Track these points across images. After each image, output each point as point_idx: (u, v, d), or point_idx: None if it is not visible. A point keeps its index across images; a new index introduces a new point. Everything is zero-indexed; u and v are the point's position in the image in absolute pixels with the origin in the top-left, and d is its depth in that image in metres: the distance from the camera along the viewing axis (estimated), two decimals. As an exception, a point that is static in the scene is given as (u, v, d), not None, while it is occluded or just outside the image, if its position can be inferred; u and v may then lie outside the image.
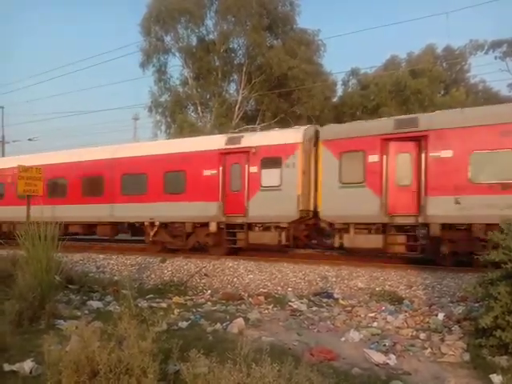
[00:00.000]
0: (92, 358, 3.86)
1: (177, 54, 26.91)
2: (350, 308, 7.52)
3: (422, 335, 5.85)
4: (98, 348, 3.84)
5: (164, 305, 7.84)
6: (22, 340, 5.42)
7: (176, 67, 27.80)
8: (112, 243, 15.06)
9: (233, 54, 26.68)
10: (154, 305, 7.76)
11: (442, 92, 30.90)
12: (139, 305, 7.20)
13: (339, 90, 30.86)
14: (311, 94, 24.25)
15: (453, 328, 5.90)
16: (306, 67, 24.39)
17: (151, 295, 8.64)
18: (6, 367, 4.54)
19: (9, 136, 32.77)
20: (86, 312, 7.46)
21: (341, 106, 29.76)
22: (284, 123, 24.08)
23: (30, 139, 30.94)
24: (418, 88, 26.30)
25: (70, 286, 8.60)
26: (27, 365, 4.58)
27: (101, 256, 12.08)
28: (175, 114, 26.00)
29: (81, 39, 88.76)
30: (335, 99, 29.95)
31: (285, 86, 24.48)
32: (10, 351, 4.93)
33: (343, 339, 5.85)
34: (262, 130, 25.04)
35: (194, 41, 26.75)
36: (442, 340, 5.52)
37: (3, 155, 29.09)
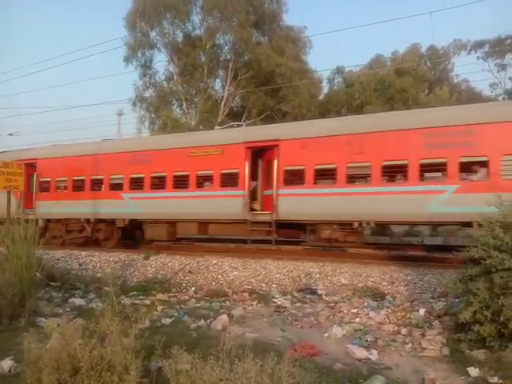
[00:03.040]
0: (73, 355, 3.82)
1: (162, 50, 26.69)
2: (333, 304, 7.59)
3: (404, 330, 5.95)
4: (79, 345, 3.80)
5: (147, 302, 7.80)
6: (1, 338, 5.34)
7: (161, 62, 27.58)
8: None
9: (219, 51, 26.55)
10: (137, 302, 7.71)
11: (426, 91, 31.34)
12: (122, 302, 7.14)
13: (325, 88, 31.05)
14: (297, 92, 24.31)
15: (433, 323, 6.01)
16: (292, 65, 24.43)
17: (134, 292, 8.57)
18: (-16, 366, 4.46)
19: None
20: (68, 309, 7.38)
21: (326, 104, 29.95)
22: (270, 120, 24.10)
23: (10, 134, 30.28)
24: (403, 87, 26.63)
25: (51, 284, 8.47)
26: (6, 363, 4.51)
27: (83, 253, 11.91)
28: (159, 110, 25.77)
29: (66, 32, 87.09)
30: (321, 97, 30.10)
31: (271, 83, 24.50)
32: (-12, 349, 4.83)
33: (326, 335, 5.91)
34: (248, 126, 25.15)
35: (179, 36, 26.56)
36: (423, 335, 5.62)
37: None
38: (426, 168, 9.72)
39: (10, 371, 4.41)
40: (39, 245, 7.11)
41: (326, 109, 30.00)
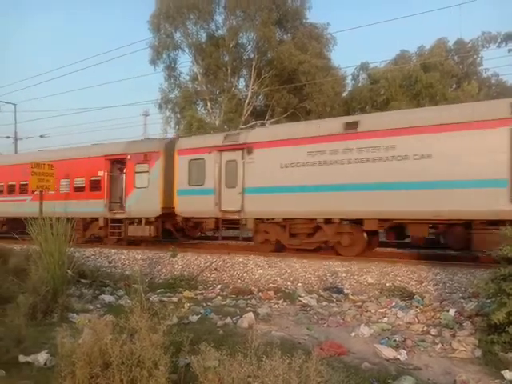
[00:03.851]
0: (104, 350, 3.91)
1: (186, 50, 26.97)
2: (360, 303, 7.51)
3: (433, 331, 5.82)
4: (110, 341, 3.89)
5: (175, 299, 7.91)
6: (36, 332, 5.52)
7: (186, 63, 27.89)
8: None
9: (242, 50, 26.63)
10: (165, 299, 7.83)
11: (454, 86, 30.49)
12: (150, 299, 7.28)
13: (349, 85, 30.65)
14: (321, 90, 24.10)
15: (464, 324, 5.86)
16: (316, 62, 24.24)
17: (162, 290, 8.72)
18: (22, 358, 4.63)
19: (21, 133, 33.21)
20: (98, 306, 7.57)
21: (350, 101, 29.56)
22: (294, 118, 23.99)
23: (41, 136, 31.30)
24: (430, 82, 25.98)
25: (82, 281, 8.70)
26: (41, 356, 4.66)
27: (112, 251, 12.19)
28: (185, 110, 26.06)
29: (93, 36, 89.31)
30: (345, 94, 29.74)
31: (295, 81, 24.38)
32: (24, 343, 5.00)
33: (353, 334, 5.85)
34: (271, 124, 25.12)
35: (203, 37, 26.77)
36: (453, 336, 5.49)
37: (16, 152, 29.45)
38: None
39: (45, 364, 4.56)
40: (70, 243, 7.31)
41: (351, 106, 29.64)
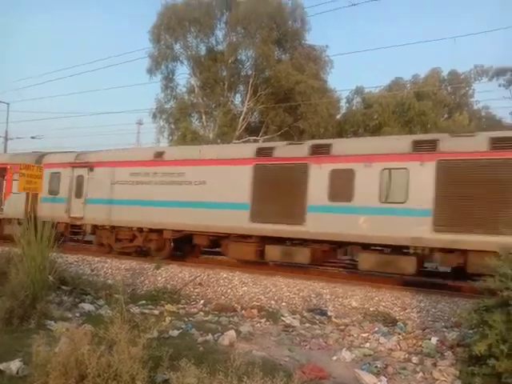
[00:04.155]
0: (81, 361, 3.81)
1: (185, 62, 27.18)
2: (343, 327, 7.47)
3: (415, 359, 5.80)
4: (87, 351, 3.80)
5: (156, 312, 7.78)
6: (10, 339, 5.38)
7: (183, 75, 28.06)
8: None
9: (240, 66, 26.93)
10: (146, 311, 7.70)
11: (446, 115, 31.14)
12: (131, 310, 7.15)
13: (343, 108, 31.11)
14: (316, 110, 24.42)
15: (446, 353, 5.86)
16: (312, 83, 24.61)
17: (144, 301, 8.58)
18: (-6, 366, 4.48)
19: (12, 133, 32.84)
20: (77, 314, 7.41)
21: (344, 124, 29.97)
22: (288, 136, 24.19)
23: (32, 137, 31.01)
24: (423, 110, 26.50)
25: (62, 287, 8.52)
26: (14, 364, 4.52)
27: (96, 259, 12.00)
28: (179, 122, 26.13)
29: (90, 40, 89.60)
30: (339, 116, 30.16)
31: (290, 100, 24.67)
32: (-2, 349, 4.86)
33: (335, 358, 5.80)
34: (264, 141, 25.28)
35: (202, 50, 27.05)
36: (435, 365, 5.48)
37: (5, 151, 29.09)
38: None
39: (17, 373, 4.42)
40: (54, 247, 7.17)
41: (343, 128, 30.02)
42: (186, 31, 26.02)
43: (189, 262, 11.93)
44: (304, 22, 26.66)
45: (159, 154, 13.32)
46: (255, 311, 8.27)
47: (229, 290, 9.61)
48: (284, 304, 8.87)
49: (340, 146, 11.17)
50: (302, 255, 10.73)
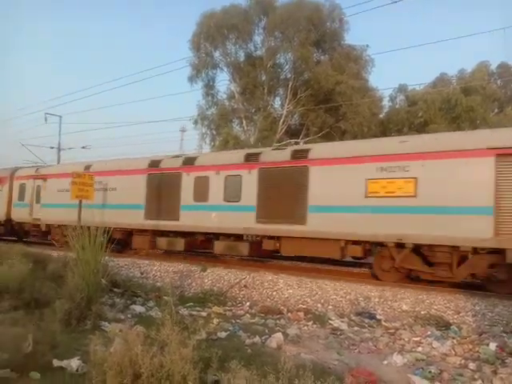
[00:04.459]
0: (135, 361, 3.94)
1: (225, 69, 27.62)
2: (393, 330, 7.24)
3: (472, 365, 5.52)
4: (141, 352, 3.92)
5: (204, 314, 7.91)
6: (69, 338, 5.63)
7: (223, 81, 28.49)
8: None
9: (279, 69, 26.98)
10: (194, 313, 7.84)
11: (496, 110, 29.59)
12: (180, 312, 7.30)
13: (386, 107, 30.37)
14: (358, 110, 24.00)
15: (507, 360, 5.53)
16: (353, 83, 24.23)
17: (191, 303, 8.74)
18: (55, 363, 4.72)
19: (64, 143, 34.67)
20: (129, 316, 7.65)
21: (387, 122, 29.25)
22: (329, 138, 23.93)
23: (83, 147, 32.57)
24: (470, 105, 25.36)
25: (114, 290, 8.86)
26: (74, 362, 4.74)
27: (145, 262, 12.38)
28: (220, 128, 26.55)
29: (132, 53, 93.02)
30: (382, 115, 29.48)
31: (331, 101, 24.41)
32: (58, 348, 5.12)
33: (386, 362, 5.64)
34: (305, 143, 25.14)
35: (241, 56, 27.36)
36: (495, 372, 5.18)
37: (58, 162, 30.73)
38: None
39: (77, 370, 4.63)
40: (106, 252, 7.48)
41: (387, 127, 29.28)
42: (225, 38, 26.44)
43: (233, 265, 12.03)
44: (342, 23, 26.35)
45: (87, 167, 16.52)
46: (301, 314, 8.20)
47: (274, 293, 9.60)
48: (331, 307, 8.73)
49: (201, 158, 13.97)
50: (179, 244, 13.35)
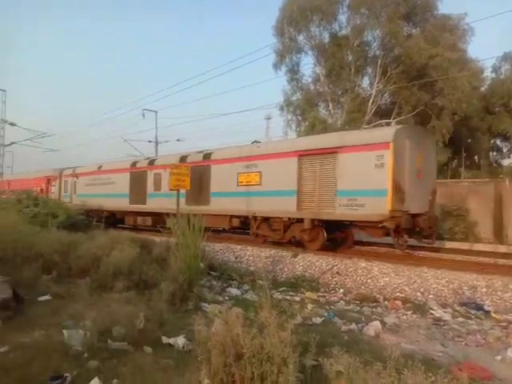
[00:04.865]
0: (236, 341, 4.10)
1: (309, 53, 27.11)
2: (505, 323, 6.62)
3: None
4: (242, 333, 4.06)
5: (297, 299, 7.97)
6: (174, 317, 6.05)
7: (308, 65, 28.03)
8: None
9: (367, 48, 25.73)
10: (288, 297, 7.94)
11: None
12: (274, 296, 7.44)
13: (488, 79, 27.41)
14: (456, 85, 21.98)
15: None
16: (449, 55, 22.22)
17: (284, 288, 8.86)
18: (164, 340, 5.12)
19: (160, 137, 37.12)
20: (226, 298, 8.00)
21: (490, 96, 26.48)
22: (424, 116, 22.38)
23: (177, 140, 34.56)
24: None
25: (212, 273, 9.33)
26: (180, 340, 5.09)
27: (238, 247, 12.81)
28: (306, 112, 26.23)
29: (217, 46, 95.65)
30: (483, 88, 26.72)
31: (425, 77, 22.70)
32: (166, 326, 5.54)
33: (499, 358, 5.17)
34: (397, 123, 23.80)
35: (326, 38, 26.59)
36: None
37: (156, 154, 33.03)
38: None
39: (183, 347, 4.97)
40: (204, 237, 7.87)
41: (490, 101, 26.52)
42: (309, 21, 25.87)
43: (325, 252, 11.91)
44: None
45: (99, 167, 22.86)
46: (399, 303, 7.86)
47: (369, 280, 9.32)
48: (431, 296, 8.24)
49: (158, 160, 18.96)
50: (148, 221, 18.36)
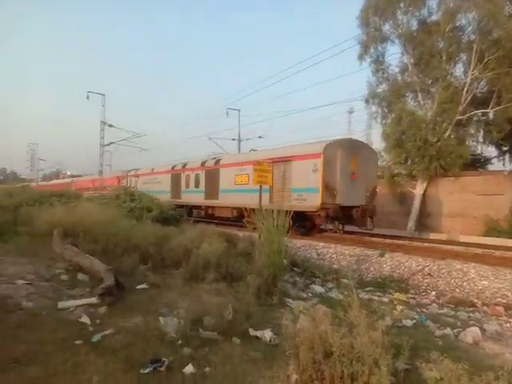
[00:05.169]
0: (325, 338, 4.05)
1: (396, 41, 25.75)
2: None
3: None
4: (330, 331, 4.00)
5: (385, 299, 7.66)
6: (260, 311, 6.16)
7: (394, 55, 26.67)
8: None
9: (460, 33, 23.72)
10: (375, 298, 7.67)
11: None
12: (360, 296, 7.23)
13: None
14: None
15: None
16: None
17: (370, 288, 8.58)
18: (251, 332, 5.24)
19: (243, 135, 37.99)
20: (310, 295, 7.97)
21: None
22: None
23: (259, 137, 35.14)
24: None
25: (294, 269, 9.34)
26: (267, 334, 5.17)
27: (321, 244, 12.68)
28: (393, 104, 24.98)
29: (296, 42, 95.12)
30: None
31: (530, 61, 20.35)
32: (252, 319, 5.66)
33: None
34: (495, 114, 21.74)
35: (414, 25, 25.02)
36: None
37: (239, 152, 33.91)
38: None
39: (270, 341, 5.05)
40: (287, 234, 7.90)
41: None
42: (395, 8, 24.58)
43: (414, 251, 11.29)
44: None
45: (152, 169, 28.00)
46: (501, 309, 7.19)
47: (464, 283, 8.65)
48: (540, 304, 7.41)
49: (188, 164, 24.19)
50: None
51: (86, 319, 5.26)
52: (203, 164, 21.96)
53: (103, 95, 37.77)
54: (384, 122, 26.06)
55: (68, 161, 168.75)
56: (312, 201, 14.27)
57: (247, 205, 16.76)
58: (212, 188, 20.59)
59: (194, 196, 22.57)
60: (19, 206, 13.10)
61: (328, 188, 14.02)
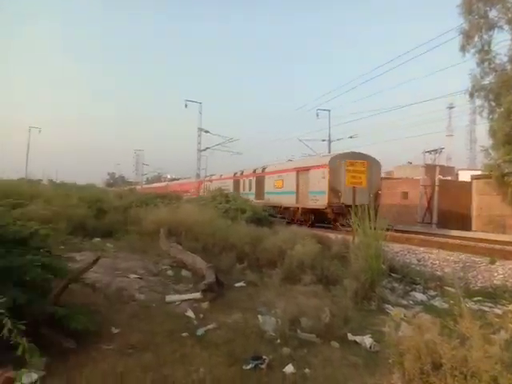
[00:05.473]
0: (433, 348, 3.81)
1: (505, 28, 23.26)
2: None
3: None
4: (440, 341, 3.74)
5: (498, 311, 6.95)
6: (358, 316, 5.99)
7: (502, 43, 24.07)
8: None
9: None
10: (486, 309, 7.01)
11: None
12: (467, 306, 6.65)
13: None
14: None
15: None
16: None
17: (479, 298, 7.85)
18: (350, 337, 5.12)
19: (333, 135, 37.35)
20: (411, 302, 7.55)
21: None
22: None
23: (350, 137, 34.27)
24: None
25: (392, 275, 8.92)
26: (367, 340, 5.01)
27: (421, 249, 11.92)
28: (501, 97, 22.61)
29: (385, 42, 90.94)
30: None
31: None
32: (350, 323, 5.53)
33: None
34: None
35: (527, 7, 22.40)
36: None
37: (329, 152, 33.43)
38: None
39: (370, 347, 4.88)
40: (386, 238, 7.57)
41: None
42: (504, -9, 22.26)
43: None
44: None
45: (221, 175, 33.42)
46: None
47: None
48: None
49: (244, 172, 29.51)
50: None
51: (190, 313, 5.60)
52: (254, 171, 27.18)
53: (200, 103, 39.87)
54: (491, 116, 23.69)
55: (168, 165, 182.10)
56: (322, 201, 18.14)
57: (282, 204, 21.91)
58: (259, 190, 25.88)
59: (247, 197, 25.46)
60: (128, 206, 14.40)
61: (333, 190, 17.44)
